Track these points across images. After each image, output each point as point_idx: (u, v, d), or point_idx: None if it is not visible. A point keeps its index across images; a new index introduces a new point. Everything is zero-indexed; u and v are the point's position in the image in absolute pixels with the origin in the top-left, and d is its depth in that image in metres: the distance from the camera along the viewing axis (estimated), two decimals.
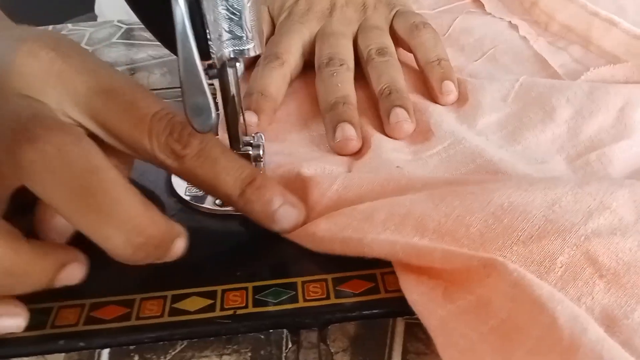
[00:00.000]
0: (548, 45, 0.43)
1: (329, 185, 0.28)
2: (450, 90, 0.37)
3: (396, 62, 0.38)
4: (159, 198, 0.31)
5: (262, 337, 0.24)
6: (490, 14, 0.49)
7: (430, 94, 0.38)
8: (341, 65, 0.37)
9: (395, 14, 0.43)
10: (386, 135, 0.34)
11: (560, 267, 0.22)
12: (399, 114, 0.34)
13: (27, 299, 0.24)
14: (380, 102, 0.35)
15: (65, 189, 0.20)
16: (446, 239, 0.24)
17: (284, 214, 0.26)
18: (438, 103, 0.37)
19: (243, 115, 0.28)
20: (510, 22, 0.47)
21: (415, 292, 0.23)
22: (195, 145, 0.24)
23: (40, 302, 0.25)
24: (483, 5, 0.50)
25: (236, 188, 0.25)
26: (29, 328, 0.24)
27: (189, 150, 0.24)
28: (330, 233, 0.26)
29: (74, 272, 0.23)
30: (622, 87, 0.35)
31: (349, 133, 0.33)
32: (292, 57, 0.39)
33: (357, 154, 0.33)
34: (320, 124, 0.36)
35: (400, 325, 0.24)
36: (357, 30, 0.41)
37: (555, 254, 0.22)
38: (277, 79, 0.37)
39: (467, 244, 0.23)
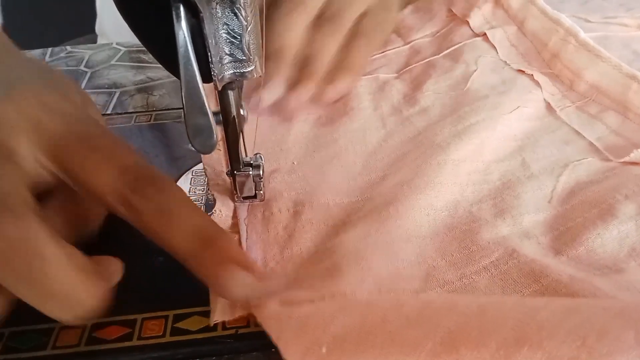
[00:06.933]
0: (578, 112, 0.37)
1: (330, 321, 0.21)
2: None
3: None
4: None
5: (264, 356, 0.24)
6: (505, 61, 0.43)
7: None
8: None
9: None
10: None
11: None
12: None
13: (28, 320, 0.25)
14: None
15: (10, 271, 0.21)
16: None
17: (233, 278, 0.23)
18: None
19: (242, 137, 0.28)
20: (532, 75, 0.41)
21: None
22: (156, 200, 0.23)
23: (40, 323, 0.25)
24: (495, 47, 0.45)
25: (191, 248, 0.23)
26: (29, 349, 0.24)
27: (150, 205, 0.23)
28: None
29: None
30: None
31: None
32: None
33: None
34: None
35: None
36: None
37: None
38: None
39: None
